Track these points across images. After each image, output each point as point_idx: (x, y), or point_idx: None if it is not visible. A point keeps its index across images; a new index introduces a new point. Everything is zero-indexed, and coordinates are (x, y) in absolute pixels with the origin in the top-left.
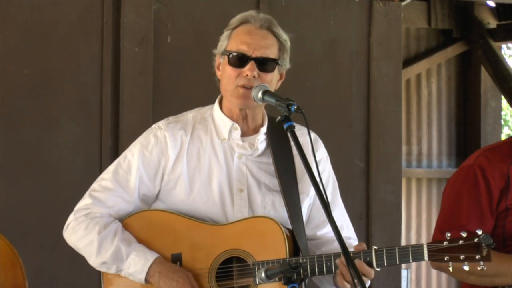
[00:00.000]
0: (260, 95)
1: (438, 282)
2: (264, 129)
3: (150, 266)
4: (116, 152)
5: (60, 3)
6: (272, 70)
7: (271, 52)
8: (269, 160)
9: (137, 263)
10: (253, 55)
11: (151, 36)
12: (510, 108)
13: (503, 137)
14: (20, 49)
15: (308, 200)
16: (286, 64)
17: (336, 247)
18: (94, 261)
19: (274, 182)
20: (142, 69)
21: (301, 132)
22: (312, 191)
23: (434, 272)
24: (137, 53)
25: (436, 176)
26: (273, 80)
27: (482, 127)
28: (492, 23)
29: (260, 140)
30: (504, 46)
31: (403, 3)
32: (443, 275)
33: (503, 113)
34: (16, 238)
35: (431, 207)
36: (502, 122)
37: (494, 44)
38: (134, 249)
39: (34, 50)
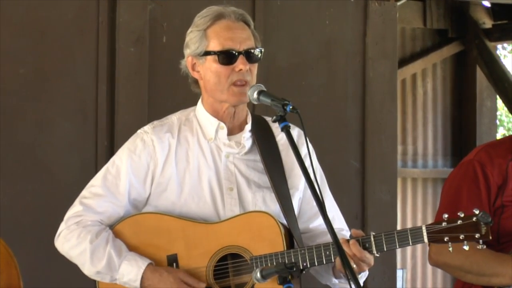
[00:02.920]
0: (255, 95)
1: (434, 282)
2: (248, 126)
3: (143, 274)
4: (111, 152)
5: (55, 2)
6: (258, 60)
7: (252, 43)
8: (256, 157)
9: (130, 272)
10: (241, 49)
11: (146, 36)
12: (505, 108)
13: (498, 137)
14: (16, 48)
15: (298, 194)
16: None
17: (330, 238)
18: (88, 271)
19: (263, 179)
20: (137, 69)
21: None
22: (302, 185)
23: (429, 272)
24: (132, 53)
25: (432, 176)
26: (256, 70)
27: (478, 127)
28: (487, 23)
29: (246, 137)
30: (499, 46)
31: (398, 3)
32: (439, 275)
33: (498, 113)
34: (12, 238)
35: (427, 207)
36: (498, 122)
37: (490, 44)
38: (125, 258)
39: (29, 50)
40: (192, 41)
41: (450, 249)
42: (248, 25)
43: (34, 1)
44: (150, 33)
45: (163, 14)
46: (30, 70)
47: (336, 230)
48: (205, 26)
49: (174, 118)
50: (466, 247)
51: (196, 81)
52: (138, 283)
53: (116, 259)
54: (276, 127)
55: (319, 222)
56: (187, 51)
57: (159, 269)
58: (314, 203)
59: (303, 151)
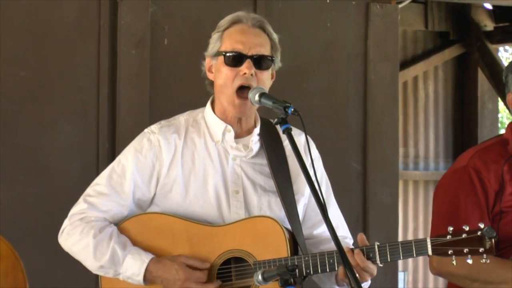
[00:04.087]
0: (257, 97)
1: (435, 284)
2: (257, 130)
3: (147, 268)
4: (113, 154)
5: (56, 5)
6: (268, 68)
7: (265, 50)
8: (263, 161)
9: (134, 265)
10: (249, 53)
11: (147, 38)
12: (506, 110)
13: None
14: (17, 51)
15: (304, 199)
16: (278, 62)
17: (333, 246)
18: (91, 265)
19: (269, 183)
20: (138, 71)
21: (294, 133)
22: (307, 191)
23: (431, 274)
24: (133, 56)
25: (433, 178)
26: (267, 78)
27: (479, 129)
28: (489, 25)
29: (254, 141)
30: (501, 48)
31: (400, 6)
32: (440, 277)
33: (500, 115)
34: (13, 241)
35: (428, 209)
36: (499, 124)
37: (491, 47)
38: (129, 252)
39: (30, 53)
40: (211, 41)
41: (454, 262)
42: (267, 33)
43: (35, 3)
44: (152, 35)
45: (164, 17)
46: (31, 73)
47: (339, 238)
48: (223, 28)
49: (181, 119)
50: (469, 261)
51: (212, 83)
52: (141, 277)
53: (120, 253)
54: None
55: (323, 229)
56: (207, 52)
57: (161, 260)
58: (318, 210)
59: (309, 158)
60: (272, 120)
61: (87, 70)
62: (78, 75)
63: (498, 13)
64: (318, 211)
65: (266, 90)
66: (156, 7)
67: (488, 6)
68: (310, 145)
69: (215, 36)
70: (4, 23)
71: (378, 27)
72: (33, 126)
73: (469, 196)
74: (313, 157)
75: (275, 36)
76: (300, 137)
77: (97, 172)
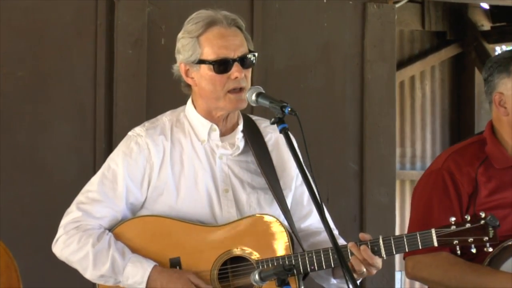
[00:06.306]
0: (254, 97)
1: None
2: (240, 127)
3: (149, 276)
4: (109, 154)
5: (53, 5)
6: (253, 64)
7: (245, 48)
8: (247, 158)
9: (136, 274)
10: (235, 56)
11: (144, 38)
12: None
13: None
14: (14, 51)
15: (291, 194)
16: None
17: (323, 238)
18: (90, 275)
19: (257, 180)
20: (135, 71)
21: (273, 127)
22: (293, 185)
23: None
24: (130, 55)
25: None
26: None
27: (476, 129)
28: (486, 25)
29: (239, 138)
30: (498, 48)
31: (397, 5)
32: None
33: None
34: (10, 241)
35: None
36: None
37: (488, 46)
38: (130, 260)
39: (28, 52)
40: (185, 48)
41: (458, 252)
42: (241, 29)
43: (32, 3)
44: (149, 35)
45: (161, 16)
46: (29, 73)
47: (319, 226)
48: (198, 33)
49: (165, 119)
50: (473, 250)
51: (189, 85)
52: (143, 285)
53: (120, 261)
54: (264, 127)
55: (310, 221)
56: (179, 57)
57: (167, 270)
58: (305, 203)
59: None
60: (252, 116)
61: (84, 70)
62: (75, 75)
63: (495, 12)
64: (304, 204)
65: (262, 89)
66: (153, 7)
67: (485, 5)
68: (291, 137)
69: (187, 41)
70: (2, 23)
71: (375, 27)
72: (30, 126)
73: (442, 200)
74: (296, 145)
75: (244, 27)
76: (275, 132)
77: (94, 172)
